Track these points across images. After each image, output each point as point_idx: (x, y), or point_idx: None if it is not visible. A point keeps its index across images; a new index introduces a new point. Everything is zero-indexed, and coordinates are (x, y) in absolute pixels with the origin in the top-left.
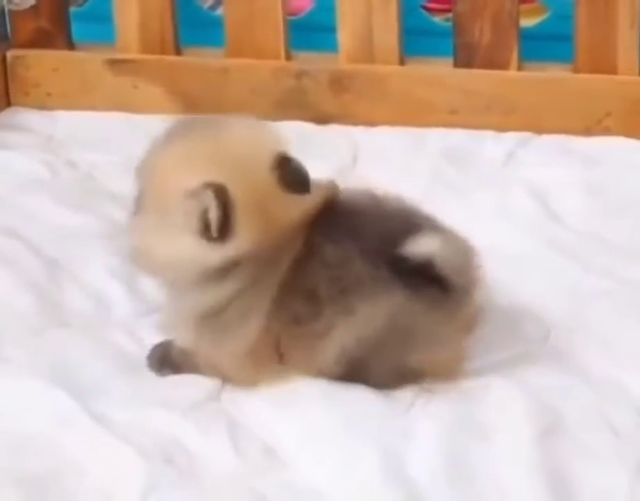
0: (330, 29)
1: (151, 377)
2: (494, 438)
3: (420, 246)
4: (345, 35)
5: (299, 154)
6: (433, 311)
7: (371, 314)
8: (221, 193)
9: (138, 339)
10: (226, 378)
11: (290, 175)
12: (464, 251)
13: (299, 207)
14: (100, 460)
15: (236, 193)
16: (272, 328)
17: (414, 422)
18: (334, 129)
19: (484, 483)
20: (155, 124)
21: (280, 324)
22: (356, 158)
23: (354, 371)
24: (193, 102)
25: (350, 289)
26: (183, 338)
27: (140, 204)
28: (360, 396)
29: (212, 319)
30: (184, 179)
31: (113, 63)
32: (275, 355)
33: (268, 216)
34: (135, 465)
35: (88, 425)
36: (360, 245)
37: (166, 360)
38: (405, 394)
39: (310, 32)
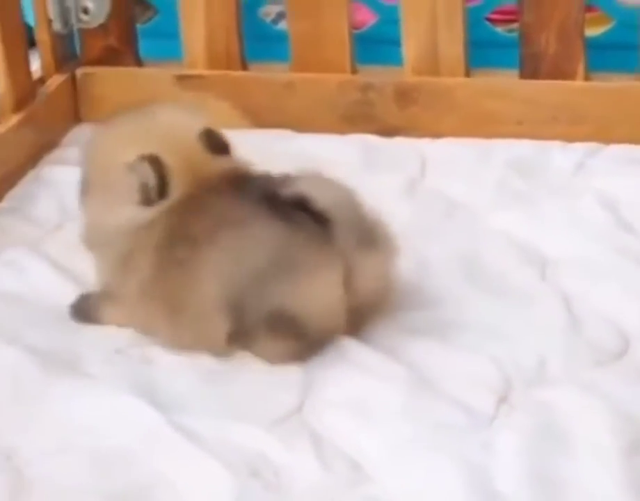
0: (394, 42)
1: (234, 391)
2: (579, 449)
3: (294, 186)
4: (410, 48)
5: (367, 166)
6: (310, 246)
7: (247, 248)
8: (156, 162)
9: None
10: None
11: (213, 140)
12: (337, 189)
13: (219, 165)
14: (187, 474)
15: (168, 160)
16: (159, 275)
17: (497, 434)
18: (400, 142)
19: (571, 496)
20: None
21: (165, 270)
22: (424, 170)
23: (235, 321)
24: (259, 116)
25: (227, 227)
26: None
27: (86, 186)
28: (441, 408)
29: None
30: (122, 155)
31: (181, 79)
32: (167, 302)
33: (195, 174)
34: (222, 478)
35: (175, 439)
36: (243, 194)
37: (82, 309)
38: (486, 406)
39: (373, 45)
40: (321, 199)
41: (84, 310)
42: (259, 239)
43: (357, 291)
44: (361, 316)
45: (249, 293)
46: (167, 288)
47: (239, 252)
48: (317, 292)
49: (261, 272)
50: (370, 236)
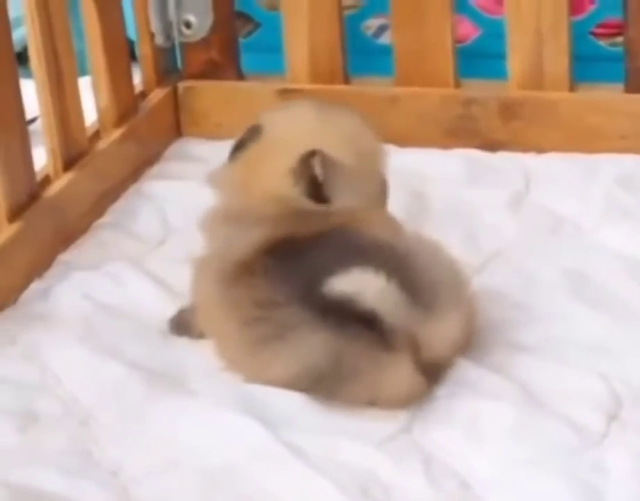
0: (497, 56)
1: (341, 407)
2: None
3: (339, 284)
4: (515, 62)
5: (470, 181)
6: (360, 347)
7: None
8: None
9: None
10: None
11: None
12: (384, 287)
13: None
14: (296, 492)
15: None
16: None
17: (608, 453)
18: (504, 156)
19: None
20: None
21: None
22: (528, 186)
23: None
24: None
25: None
26: None
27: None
28: (550, 427)
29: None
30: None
31: (283, 93)
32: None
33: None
34: (331, 497)
35: (282, 456)
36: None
37: (181, 323)
38: (596, 424)
39: (476, 59)
40: (368, 296)
41: (183, 324)
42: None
43: (428, 356)
44: (439, 370)
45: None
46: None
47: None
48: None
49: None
50: (436, 302)
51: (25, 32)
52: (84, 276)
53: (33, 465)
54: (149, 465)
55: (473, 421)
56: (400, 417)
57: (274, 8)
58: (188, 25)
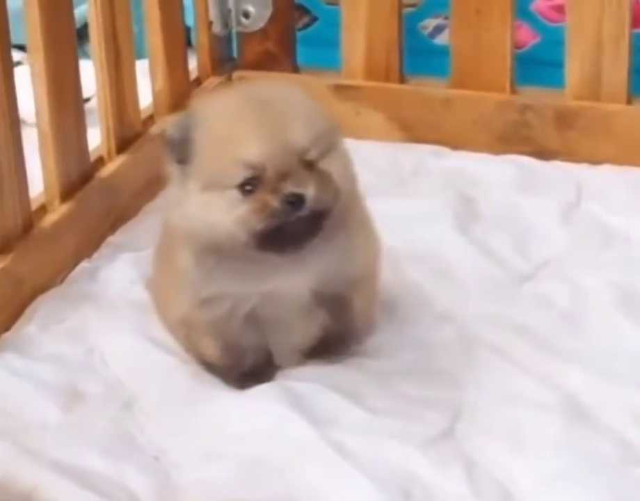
0: (555, 64)
1: (385, 407)
2: None
3: None
4: (573, 71)
5: (521, 189)
6: None
7: None
8: None
9: None
10: None
11: None
12: None
13: None
14: (337, 489)
15: None
16: None
17: None
18: (556, 166)
19: None
20: (375, 150)
21: None
22: (580, 196)
23: None
24: (414, 131)
25: None
26: None
27: None
28: (593, 440)
29: None
30: None
31: (337, 89)
32: None
33: None
34: (372, 495)
35: (326, 453)
36: None
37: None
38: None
39: (534, 65)
40: None
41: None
42: None
43: None
44: None
45: None
46: None
47: None
48: None
49: None
50: None
51: (85, 9)
52: (132, 259)
53: (77, 444)
54: (192, 453)
55: (516, 429)
56: (444, 421)
57: (333, 2)
58: (246, 15)
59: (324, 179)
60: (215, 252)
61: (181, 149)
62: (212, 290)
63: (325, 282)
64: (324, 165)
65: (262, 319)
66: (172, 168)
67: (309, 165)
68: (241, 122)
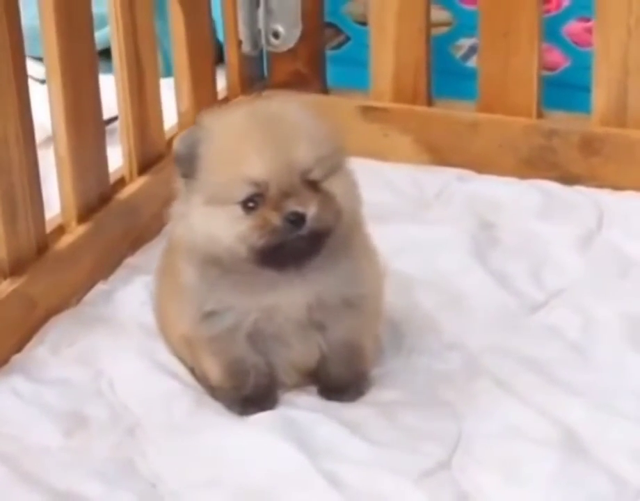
0: (584, 88)
1: (383, 438)
2: None
3: None
4: (599, 97)
5: (543, 213)
6: None
7: None
8: None
9: None
10: None
11: None
12: None
13: None
14: None
15: None
16: None
17: None
18: (580, 191)
19: None
20: (399, 173)
21: None
22: (601, 223)
23: None
24: (440, 153)
25: None
26: None
27: None
28: (594, 477)
29: None
30: None
31: (366, 110)
32: None
33: None
34: None
35: (320, 485)
36: None
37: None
38: (636, 478)
39: (562, 89)
40: None
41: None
42: None
43: None
44: None
45: None
46: None
47: None
48: None
49: None
50: None
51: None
52: (146, 281)
53: (75, 470)
54: (190, 481)
55: (514, 463)
56: (441, 452)
57: (365, 21)
58: (276, 35)
59: (326, 199)
60: (216, 265)
61: (187, 164)
62: (215, 304)
63: (324, 300)
64: (328, 185)
65: (263, 337)
66: (179, 183)
67: (312, 185)
68: (246, 139)
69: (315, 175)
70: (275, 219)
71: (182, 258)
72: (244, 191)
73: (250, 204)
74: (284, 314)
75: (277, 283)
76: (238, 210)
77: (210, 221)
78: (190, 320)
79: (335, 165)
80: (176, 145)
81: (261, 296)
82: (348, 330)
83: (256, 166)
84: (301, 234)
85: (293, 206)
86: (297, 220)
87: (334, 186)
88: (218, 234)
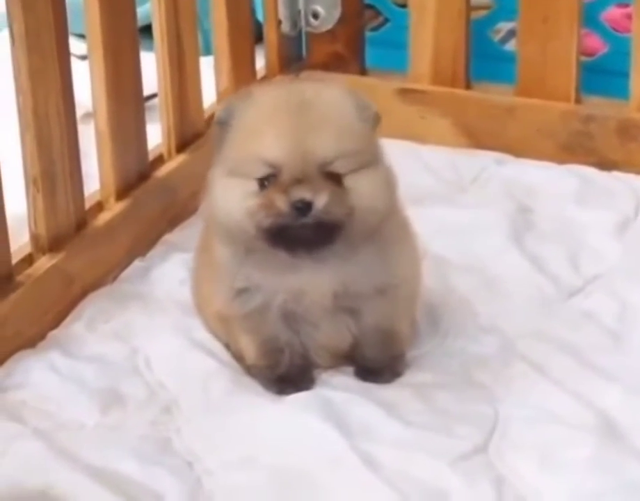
0: (621, 74)
1: (420, 421)
2: None
3: None
4: (637, 83)
5: (580, 199)
6: None
7: None
8: None
9: None
10: None
11: None
12: None
13: None
14: None
15: None
16: None
17: None
18: (617, 177)
19: None
20: (437, 155)
21: None
22: (638, 209)
23: None
24: (477, 137)
25: None
26: None
27: None
28: (630, 463)
29: None
30: None
31: (404, 92)
32: None
33: None
34: None
35: (356, 465)
36: None
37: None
38: None
39: (600, 75)
40: None
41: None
42: None
43: None
44: None
45: None
46: None
47: None
48: None
49: None
50: None
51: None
52: (184, 259)
53: (111, 447)
54: (225, 459)
55: (549, 447)
56: (477, 436)
57: (405, 3)
58: (315, 15)
59: (341, 194)
60: (235, 242)
61: (219, 133)
62: (245, 281)
63: (351, 288)
64: (352, 180)
65: (295, 317)
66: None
67: (333, 177)
68: (270, 120)
69: (337, 167)
70: (281, 202)
71: (215, 235)
72: (260, 171)
73: (266, 183)
74: (310, 298)
75: (299, 267)
76: (254, 185)
77: (227, 193)
78: (224, 297)
79: (365, 162)
80: (218, 112)
81: (286, 277)
82: (381, 317)
83: (272, 148)
84: (306, 221)
85: (301, 193)
86: (303, 207)
87: (359, 182)
88: (232, 206)
